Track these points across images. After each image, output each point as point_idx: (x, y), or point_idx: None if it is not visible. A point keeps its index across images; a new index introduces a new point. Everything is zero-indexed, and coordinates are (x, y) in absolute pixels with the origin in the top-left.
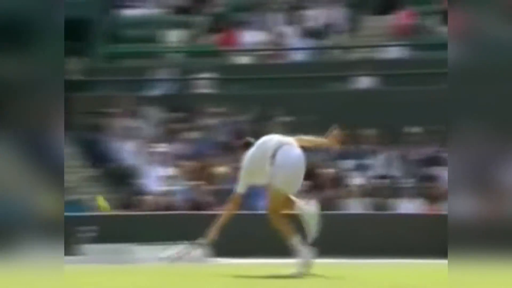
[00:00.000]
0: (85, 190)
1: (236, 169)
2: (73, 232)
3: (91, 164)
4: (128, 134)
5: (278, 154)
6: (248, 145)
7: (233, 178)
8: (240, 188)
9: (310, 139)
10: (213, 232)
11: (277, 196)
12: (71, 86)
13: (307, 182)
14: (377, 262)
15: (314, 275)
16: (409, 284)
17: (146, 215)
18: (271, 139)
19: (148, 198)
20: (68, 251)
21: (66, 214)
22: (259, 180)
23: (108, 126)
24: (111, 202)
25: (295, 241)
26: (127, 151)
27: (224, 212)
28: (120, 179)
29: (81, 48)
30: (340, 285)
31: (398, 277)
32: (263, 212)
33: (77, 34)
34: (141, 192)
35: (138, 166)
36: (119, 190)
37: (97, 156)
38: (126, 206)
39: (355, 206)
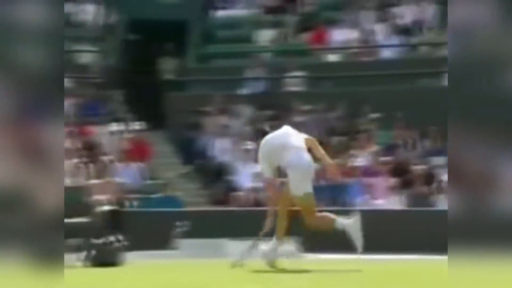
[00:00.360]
0: (180, 187)
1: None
2: (169, 227)
3: (186, 161)
4: (221, 132)
5: (292, 156)
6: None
7: (321, 174)
8: (267, 173)
9: (319, 150)
10: (268, 224)
11: (304, 203)
12: (167, 86)
13: (399, 179)
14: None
15: (409, 271)
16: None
17: (237, 211)
18: (291, 134)
19: (240, 194)
20: (164, 246)
21: (162, 209)
22: (278, 162)
23: (202, 124)
24: (205, 198)
25: (340, 223)
26: (220, 148)
27: (269, 201)
28: (214, 176)
29: (177, 49)
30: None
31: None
32: (357, 208)
33: (173, 35)
34: (233, 189)
35: (230, 163)
36: (212, 186)
37: (191, 154)
38: (219, 202)
39: (446, 203)
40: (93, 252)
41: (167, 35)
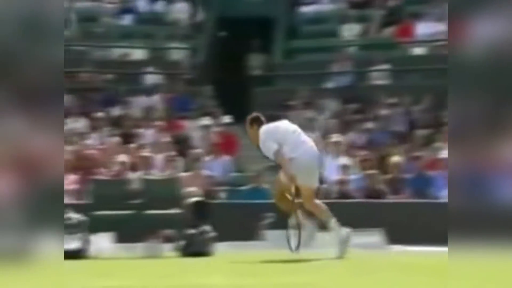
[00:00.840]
0: (267, 179)
1: (411, 158)
2: (256, 219)
3: None
4: (307, 125)
5: (301, 151)
6: (257, 121)
7: (407, 167)
8: (273, 146)
9: None
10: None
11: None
12: (254, 81)
13: None
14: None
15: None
16: None
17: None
18: (299, 129)
19: (325, 186)
20: (251, 237)
21: (249, 201)
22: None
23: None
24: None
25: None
26: None
27: (286, 174)
28: None
29: (264, 45)
30: None
31: None
32: (442, 201)
33: (260, 31)
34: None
35: None
36: None
37: None
38: None
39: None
40: (185, 242)
41: (254, 32)
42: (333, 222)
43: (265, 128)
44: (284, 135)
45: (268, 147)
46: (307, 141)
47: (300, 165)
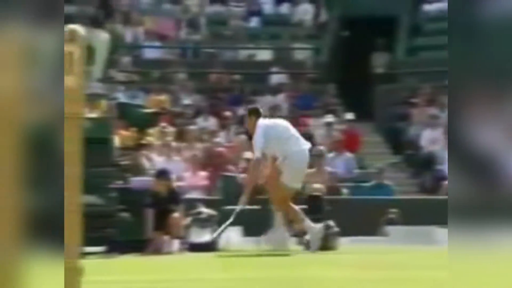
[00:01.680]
0: (390, 176)
1: None
2: (379, 215)
3: (395, 151)
4: (429, 122)
5: (295, 149)
6: (256, 113)
7: None
8: (258, 154)
9: None
10: (243, 199)
11: (284, 193)
12: (377, 79)
13: None
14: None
15: None
16: None
17: (446, 199)
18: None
19: (446, 183)
20: (374, 232)
21: (372, 197)
22: (278, 150)
23: (411, 115)
24: (414, 187)
25: (307, 225)
26: (428, 138)
27: (248, 180)
28: (421, 165)
29: (387, 43)
30: None
31: None
32: None
33: (384, 30)
34: (442, 177)
35: (438, 152)
36: (420, 175)
37: (400, 144)
38: (427, 191)
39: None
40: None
41: (377, 30)
42: (306, 223)
43: (264, 123)
44: (279, 134)
45: (258, 146)
46: (300, 143)
47: (290, 166)
